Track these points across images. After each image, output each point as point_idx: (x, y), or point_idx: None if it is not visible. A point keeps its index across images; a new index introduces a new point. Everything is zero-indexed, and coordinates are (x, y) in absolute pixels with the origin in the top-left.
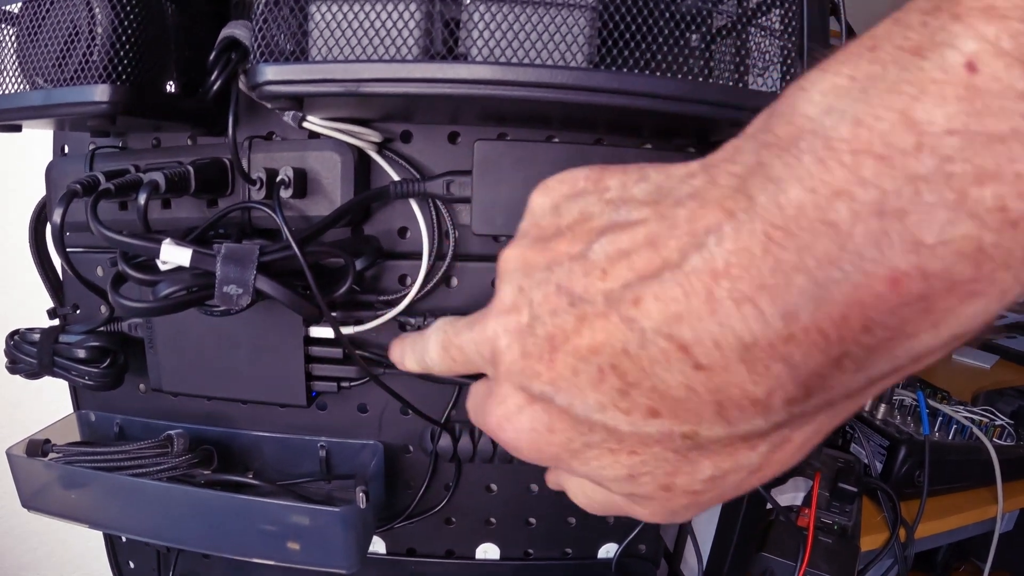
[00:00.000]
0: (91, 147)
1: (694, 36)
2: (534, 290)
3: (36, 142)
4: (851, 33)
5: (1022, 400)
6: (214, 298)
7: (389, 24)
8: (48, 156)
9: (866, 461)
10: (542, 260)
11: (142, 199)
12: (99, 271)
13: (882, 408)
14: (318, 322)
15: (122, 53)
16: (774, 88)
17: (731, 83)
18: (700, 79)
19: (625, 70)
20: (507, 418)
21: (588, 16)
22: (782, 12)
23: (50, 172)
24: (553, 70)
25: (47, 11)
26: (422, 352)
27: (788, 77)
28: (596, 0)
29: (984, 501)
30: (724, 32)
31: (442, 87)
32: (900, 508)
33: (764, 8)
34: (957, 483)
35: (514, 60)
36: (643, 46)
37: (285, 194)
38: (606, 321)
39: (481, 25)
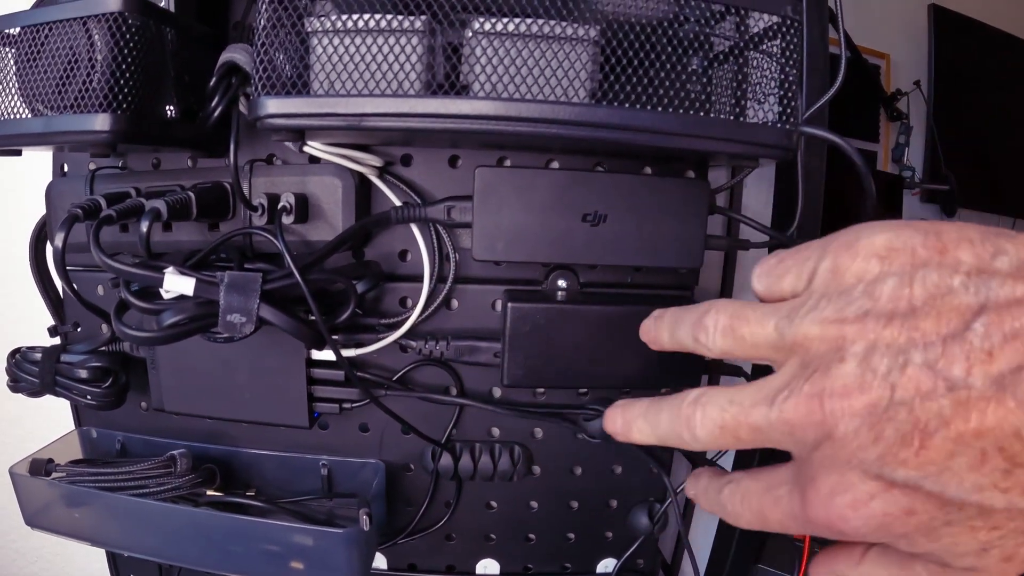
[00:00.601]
0: (91, 168)
1: (694, 66)
2: (893, 371)
3: (36, 161)
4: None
5: None
6: (218, 326)
7: (391, 58)
8: (48, 174)
9: None
10: (901, 338)
11: (144, 227)
12: (100, 290)
13: None
14: (321, 348)
15: (122, 81)
16: (774, 119)
17: (731, 115)
18: (701, 113)
19: (627, 105)
20: (854, 507)
21: (590, 50)
22: (782, 41)
23: (50, 192)
24: (555, 106)
25: (46, 37)
26: (673, 426)
27: (788, 106)
28: (598, 34)
29: None
30: (723, 60)
31: (444, 122)
32: None
33: (765, 37)
34: None
35: (516, 95)
36: (645, 79)
37: (287, 220)
38: (997, 405)
39: (483, 59)
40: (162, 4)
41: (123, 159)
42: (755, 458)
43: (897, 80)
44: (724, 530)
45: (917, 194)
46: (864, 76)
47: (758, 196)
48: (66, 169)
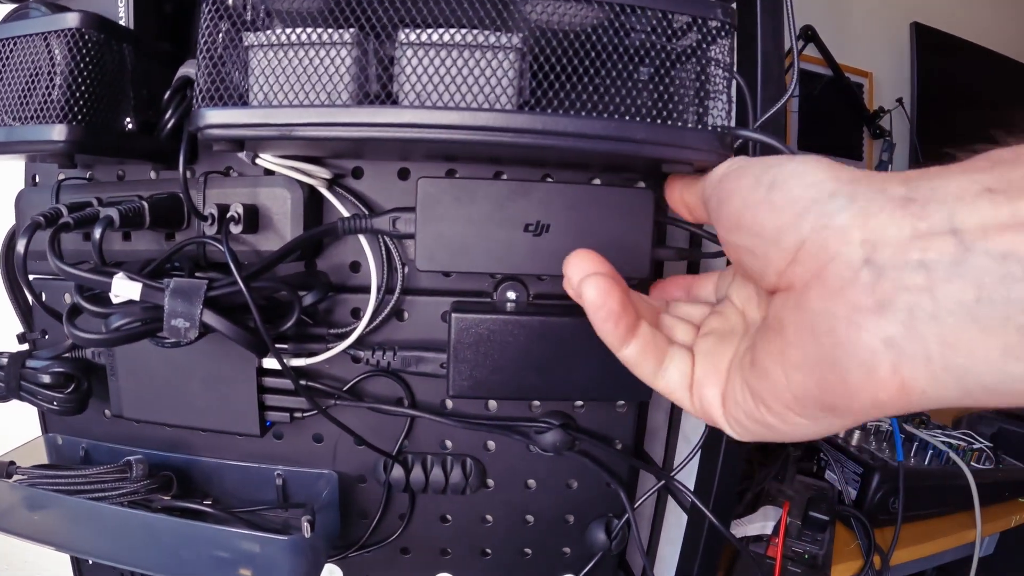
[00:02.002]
0: (59, 178)
1: (627, 71)
2: None
3: (10, 172)
4: (831, 61)
5: (1002, 422)
6: (163, 331)
7: (321, 70)
8: (21, 185)
9: (840, 488)
10: None
11: (97, 234)
12: (67, 298)
13: (856, 434)
14: (265, 355)
15: (78, 94)
16: (718, 121)
17: (662, 119)
18: (628, 117)
19: (550, 111)
20: None
21: (513, 57)
22: (716, 45)
23: (19, 201)
24: (476, 113)
25: (11, 51)
26: None
27: (729, 108)
28: (520, 41)
29: (963, 526)
30: (657, 65)
31: (370, 131)
32: (874, 535)
33: (701, 38)
34: (934, 509)
35: (439, 104)
36: (572, 84)
37: (235, 230)
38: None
39: (408, 69)
40: (121, 22)
41: (90, 171)
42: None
43: (880, 98)
44: (688, 548)
45: None
46: (847, 94)
47: None
48: (37, 179)
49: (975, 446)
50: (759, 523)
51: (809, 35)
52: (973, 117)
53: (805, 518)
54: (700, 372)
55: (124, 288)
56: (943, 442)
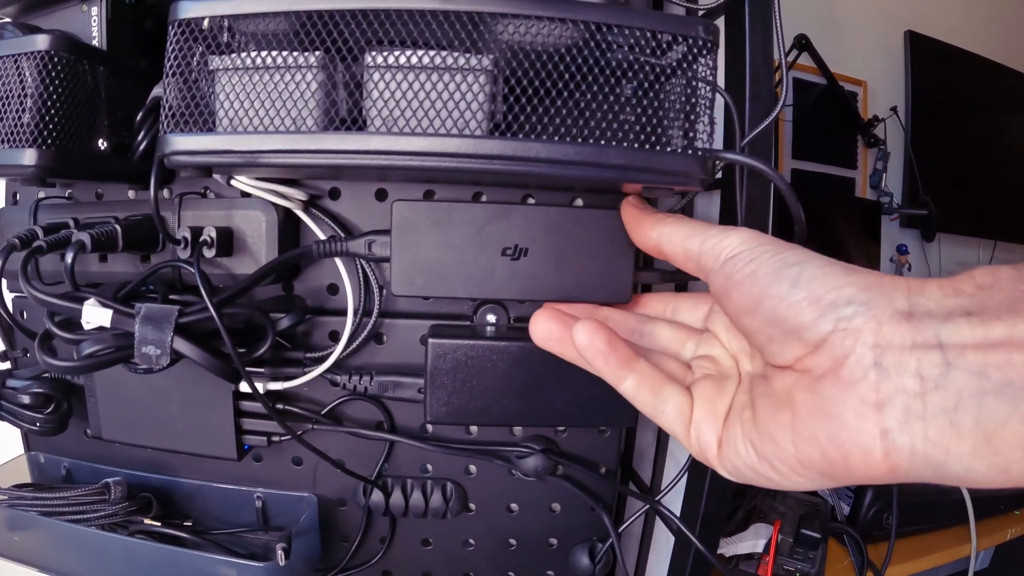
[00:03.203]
0: (39, 196)
1: (604, 92)
2: None
3: None
4: (825, 70)
5: None
6: (135, 358)
7: (286, 94)
8: (1, 202)
9: (832, 504)
10: None
11: (68, 258)
12: (46, 320)
13: None
14: (237, 382)
15: (47, 118)
16: (700, 143)
17: (638, 143)
18: (603, 142)
19: (522, 136)
20: None
21: (483, 80)
22: (702, 61)
23: None
24: (446, 139)
25: None
26: None
27: (708, 129)
28: (491, 64)
29: (958, 540)
30: (637, 86)
31: (337, 158)
32: (867, 552)
33: (682, 58)
34: (929, 523)
35: (407, 128)
36: (547, 106)
37: (208, 254)
38: None
39: (375, 93)
40: (95, 42)
41: (70, 189)
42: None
43: (874, 107)
44: (676, 569)
45: (896, 219)
46: (841, 103)
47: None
48: (18, 198)
49: None
50: (750, 541)
51: (803, 44)
52: (968, 125)
53: (797, 535)
54: (699, 414)
55: (95, 315)
56: None
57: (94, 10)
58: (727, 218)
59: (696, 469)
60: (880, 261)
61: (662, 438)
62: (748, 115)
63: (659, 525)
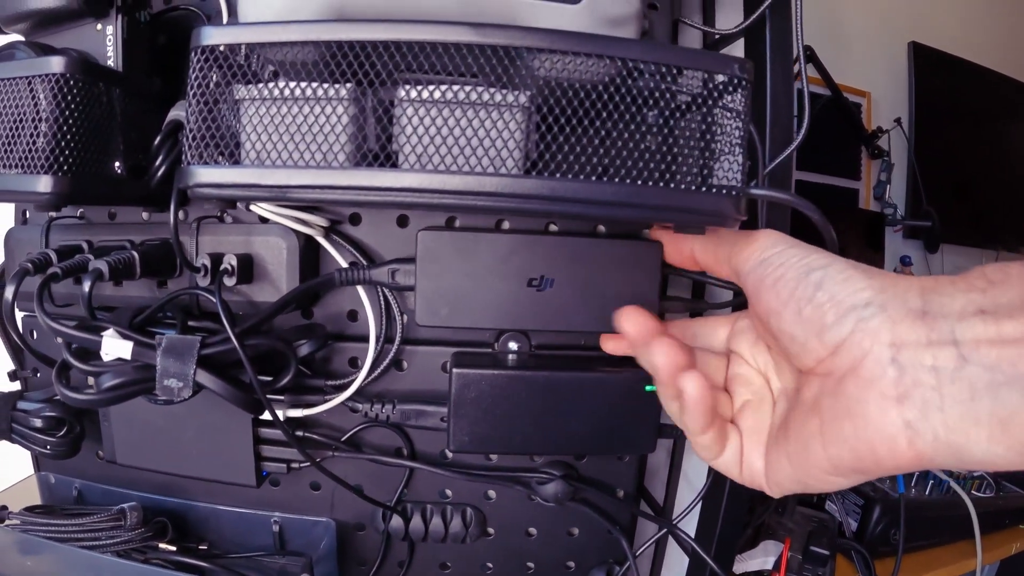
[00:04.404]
0: (50, 216)
1: (639, 130)
2: None
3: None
4: (829, 82)
5: None
6: (156, 390)
7: (316, 128)
8: (9, 219)
9: (840, 519)
10: None
11: (86, 287)
12: (59, 339)
13: None
14: (259, 413)
15: (63, 143)
16: (721, 182)
17: (675, 183)
18: (640, 182)
19: (559, 175)
20: None
21: (520, 116)
22: (731, 101)
23: (8, 240)
24: (481, 178)
25: None
26: None
27: (742, 167)
28: (528, 100)
29: (964, 555)
30: (667, 122)
31: (369, 195)
32: (875, 568)
33: (715, 95)
34: (935, 539)
35: (441, 166)
36: (584, 145)
37: (229, 282)
38: None
39: (408, 129)
40: (110, 62)
41: (81, 209)
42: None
43: (878, 118)
44: None
45: (899, 231)
46: (845, 114)
47: None
48: (28, 216)
49: (975, 474)
50: (760, 558)
51: (807, 55)
52: (971, 136)
53: (806, 552)
54: (748, 448)
55: (114, 347)
56: (943, 471)
57: (109, 29)
58: None
59: (712, 492)
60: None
61: (675, 459)
62: (768, 141)
63: (671, 545)
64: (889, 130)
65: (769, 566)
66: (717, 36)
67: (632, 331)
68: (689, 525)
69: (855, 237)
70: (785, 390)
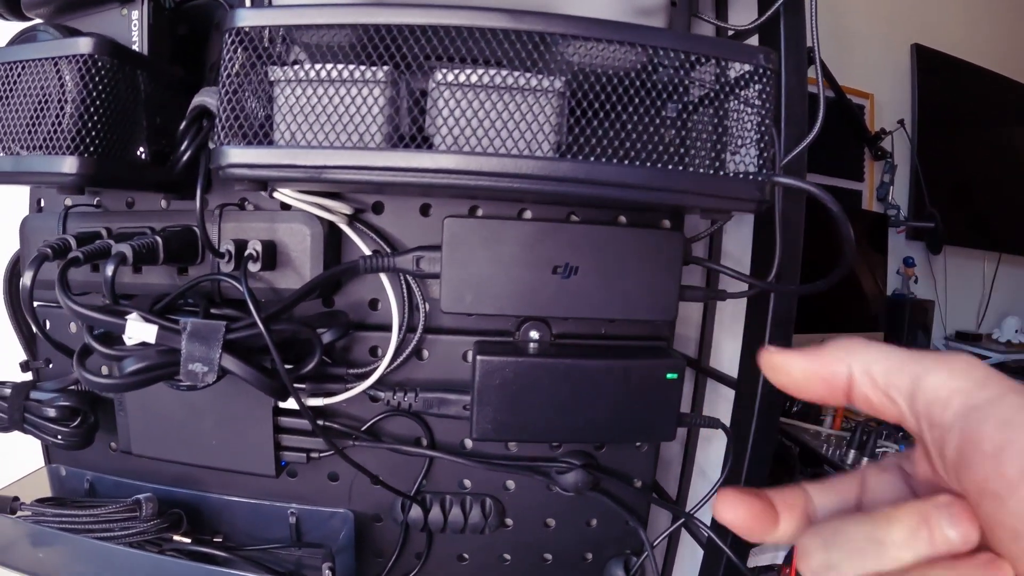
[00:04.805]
0: (67, 204)
1: (665, 115)
2: None
3: (13, 193)
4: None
5: None
6: (180, 375)
7: (352, 109)
8: (24, 207)
9: None
10: None
11: (109, 271)
12: (72, 328)
13: (864, 461)
14: (284, 399)
15: (91, 124)
16: (747, 169)
17: (705, 165)
18: (669, 166)
19: (593, 157)
20: None
21: (555, 102)
22: (756, 90)
23: (24, 227)
24: (518, 160)
25: (19, 75)
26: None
27: (762, 156)
28: (563, 85)
29: None
30: (695, 110)
31: (406, 176)
32: None
33: (738, 85)
34: None
35: (478, 148)
36: (614, 129)
37: (253, 268)
38: None
39: (445, 112)
40: (135, 47)
41: (98, 196)
42: None
43: (881, 119)
44: None
45: (902, 232)
46: (849, 116)
47: (738, 238)
48: (43, 204)
49: None
50: (771, 553)
51: (810, 57)
52: (974, 138)
53: None
54: None
55: (139, 331)
56: None
57: (135, 14)
58: (762, 236)
59: (729, 482)
60: (887, 274)
61: (689, 450)
62: (783, 137)
63: (684, 537)
64: (892, 132)
65: (780, 560)
66: (731, 32)
67: (734, 520)
68: (703, 518)
69: (858, 238)
70: None
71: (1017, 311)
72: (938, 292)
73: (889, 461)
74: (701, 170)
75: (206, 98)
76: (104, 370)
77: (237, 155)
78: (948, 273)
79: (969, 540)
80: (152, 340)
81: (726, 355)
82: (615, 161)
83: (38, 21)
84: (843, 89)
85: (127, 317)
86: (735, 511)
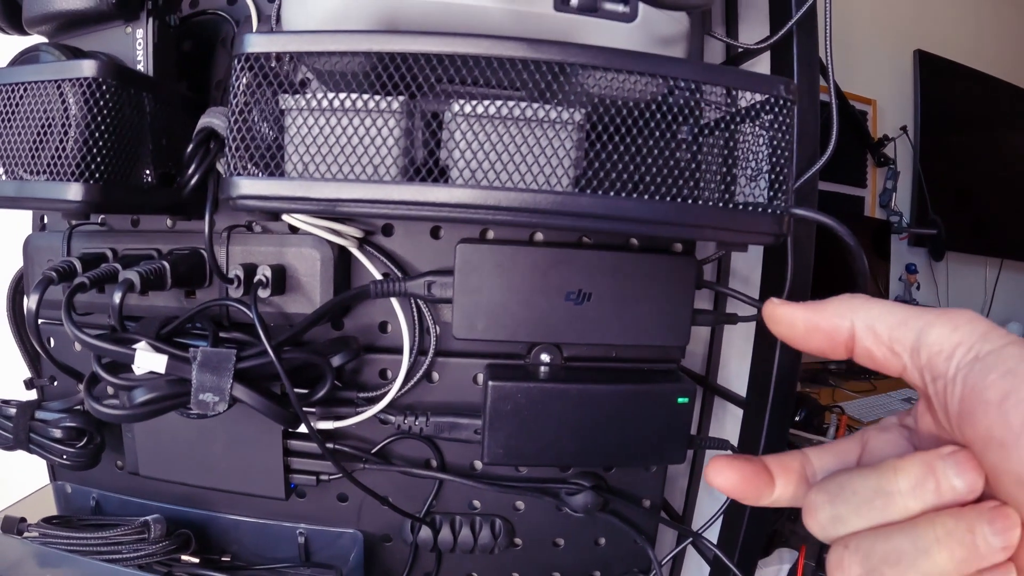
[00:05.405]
0: (71, 223)
1: (682, 144)
2: None
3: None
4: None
5: None
6: (190, 404)
7: (367, 140)
8: (27, 224)
9: None
10: None
11: (116, 299)
12: (77, 346)
13: None
14: (295, 427)
15: (95, 150)
16: (763, 200)
17: (722, 202)
18: (690, 200)
19: (610, 192)
20: None
21: (575, 134)
22: (774, 119)
23: (28, 246)
24: (536, 195)
25: (21, 97)
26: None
27: (779, 187)
28: (583, 118)
29: None
30: (712, 138)
31: (421, 210)
32: None
33: (755, 114)
34: None
35: (496, 182)
36: (633, 162)
37: (263, 294)
38: None
39: (463, 144)
40: (139, 66)
41: (102, 215)
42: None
43: (884, 126)
44: None
45: (905, 238)
46: (852, 122)
47: (746, 257)
48: (46, 222)
49: None
50: (775, 566)
51: (822, 73)
52: (976, 144)
53: (819, 560)
54: None
55: (148, 361)
56: None
57: (139, 32)
58: (772, 259)
59: (735, 504)
60: (890, 280)
61: (695, 468)
62: (795, 156)
63: (690, 553)
64: (895, 138)
65: (784, 574)
66: (741, 50)
67: (725, 484)
68: (709, 536)
69: (861, 245)
70: None
71: (1019, 317)
72: (940, 298)
73: (889, 421)
74: (720, 204)
75: (213, 119)
76: (110, 391)
77: (248, 186)
78: (950, 279)
79: (975, 488)
80: (162, 371)
81: (733, 371)
82: (634, 196)
83: (40, 39)
84: (846, 95)
85: (135, 347)
86: (726, 476)
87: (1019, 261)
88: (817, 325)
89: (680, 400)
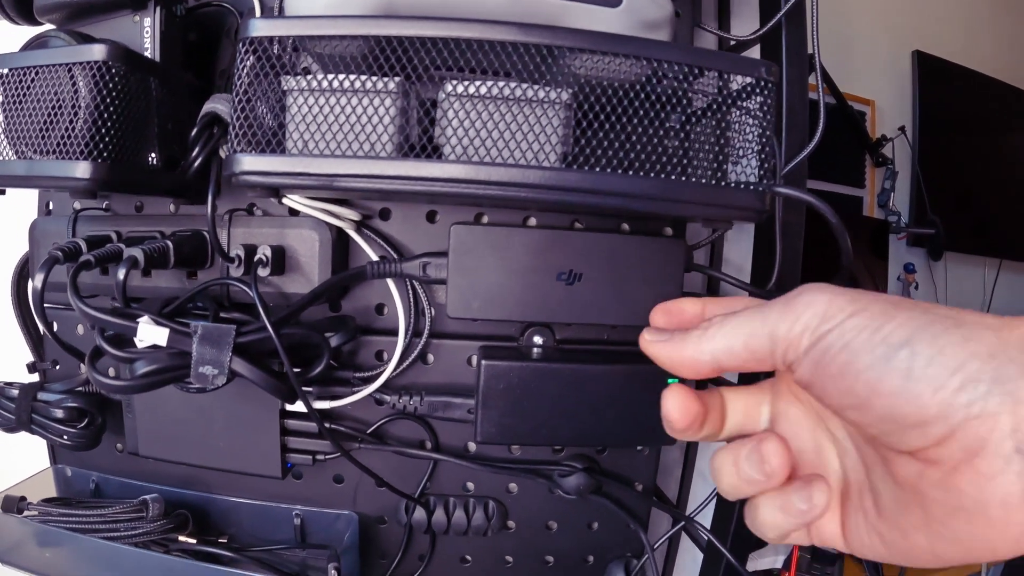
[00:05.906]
0: (76, 207)
1: (669, 126)
2: None
3: (22, 195)
4: (834, 90)
5: None
6: (190, 377)
7: (364, 119)
8: (33, 210)
9: None
10: None
11: (121, 275)
12: (79, 330)
13: None
14: (292, 402)
15: (104, 130)
16: (749, 179)
17: (707, 176)
18: (672, 177)
19: (598, 168)
20: None
21: (562, 113)
22: (758, 101)
23: (33, 230)
24: (525, 170)
25: (32, 80)
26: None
27: (764, 166)
28: (570, 97)
29: None
30: (698, 120)
31: (416, 184)
32: (882, 567)
33: (740, 97)
34: None
35: (487, 158)
36: (619, 140)
37: (263, 273)
38: None
39: (455, 122)
40: (147, 53)
41: (107, 200)
42: None
43: (882, 126)
44: None
45: (903, 238)
46: (850, 122)
47: (739, 247)
48: (51, 207)
49: None
50: (770, 557)
51: (811, 64)
52: (975, 145)
53: (815, 551)
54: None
55: (150, 333)
56: None
57: (147, 21)
58: (763, 244)
59: None
60: (888, 280)
61: (689, 455)
62: (784, 144)
63: (684, 540)
64: (893, 138)
65: (779, 565)
66: (733, 42)
67: (679, 420)
68: (703, 521)
69: (859, 244)
70: (862, 456)
71: None
72: (939, 298)
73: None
74: (703, 181)
75: (217, 105)
76: (112, 372)
77: (250, 163)
78: (949, 279)
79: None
80: (163, 343)
81: None
82: (620, 172)
83: (50, 27)
84: (844, 96)
85: (139, 320)
86: (680, 412)
87: (1018, 261)
88: (683, 365)
89: (670, 380)
